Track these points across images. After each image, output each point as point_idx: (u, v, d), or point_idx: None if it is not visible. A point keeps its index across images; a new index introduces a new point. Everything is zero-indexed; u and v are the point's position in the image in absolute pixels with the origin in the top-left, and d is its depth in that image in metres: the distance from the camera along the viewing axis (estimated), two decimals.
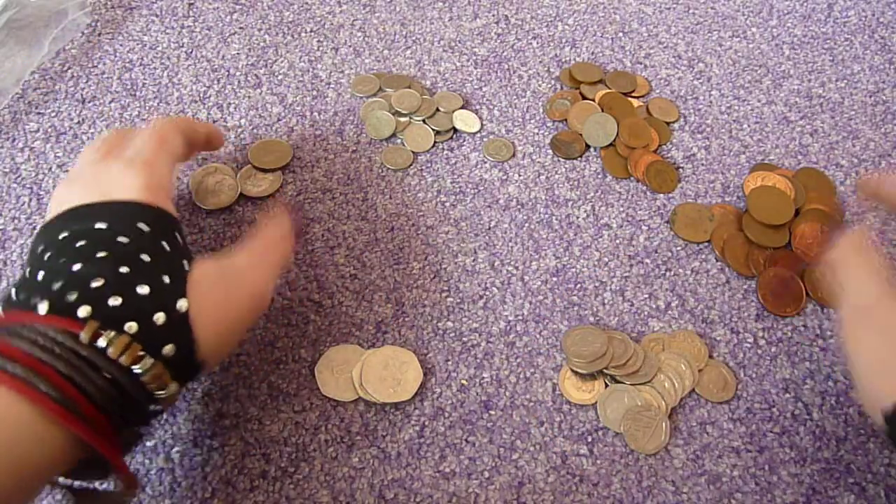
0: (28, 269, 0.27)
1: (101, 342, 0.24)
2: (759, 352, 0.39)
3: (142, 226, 0.29)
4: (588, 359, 0.37)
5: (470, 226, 0.43)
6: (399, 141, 0.47)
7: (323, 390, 0.36)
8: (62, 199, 0.30)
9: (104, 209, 0.29)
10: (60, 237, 0.28)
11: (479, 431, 0.36)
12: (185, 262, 0.29)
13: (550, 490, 0.34)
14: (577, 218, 0.44)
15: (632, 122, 0.47)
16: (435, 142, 0.47)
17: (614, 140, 0.46)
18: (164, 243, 0.29)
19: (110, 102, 0.48)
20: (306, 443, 0.35)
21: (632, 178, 0.45)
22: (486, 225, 0.43)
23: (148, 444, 0.34)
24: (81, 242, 0.27)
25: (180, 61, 0.51)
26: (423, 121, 0.47)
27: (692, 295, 0.41)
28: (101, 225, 0.28)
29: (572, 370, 0.37)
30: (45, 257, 0.27)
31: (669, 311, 0.40)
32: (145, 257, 0.28)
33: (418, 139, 0.47)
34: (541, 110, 0.49)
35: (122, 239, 0.28)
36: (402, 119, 0.47)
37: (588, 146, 0.47)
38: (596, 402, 0.36)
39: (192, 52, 0.51)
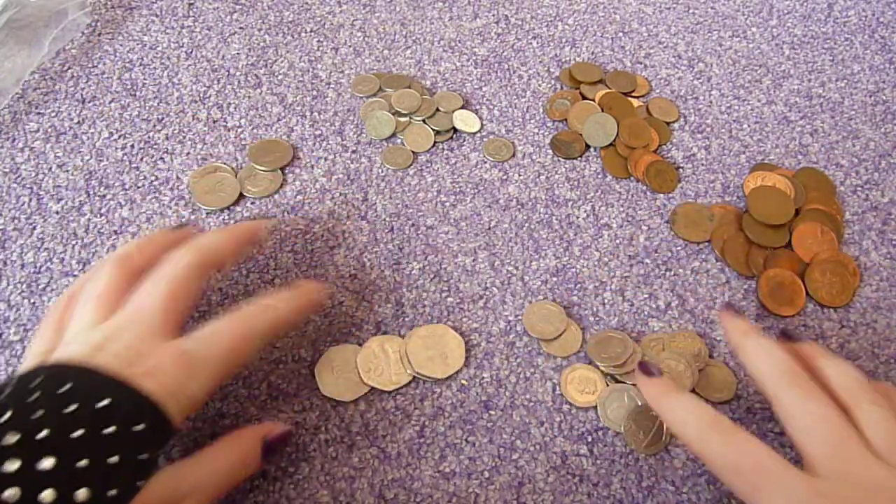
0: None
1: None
2: None
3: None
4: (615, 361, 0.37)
5: (470, 226, 0.43)
6: (399, 141, 0.47)
7: (323, 390, 0.36)
8: None
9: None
10: None
11: (479, 431, 0.36)
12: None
13: (550, 490, 0.34)
14: (577, 218, 0.44)
15: (632, 122, 0.47)
16: (435, 142, 0.47)
17: (614, 140, 0.46)
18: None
19: (110, 102, 0.48)
20: (306, 443, 0.35)
21: (632, 178, 0.45)
22: (486, 225, 0.43)
23: None
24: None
25: (180, 61, 0.51)
26: (423, 121, 0.47)
27: (692, 295, 0.41)
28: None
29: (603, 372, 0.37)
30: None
31: (669, 311, 0.40)
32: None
33: (418, 139, 0.47)
34: (541, 110, 0.49)
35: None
36: (402, 119, 0.47)
37: (588, 146, 0.47)
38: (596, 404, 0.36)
39: (192, 52, 0.51)
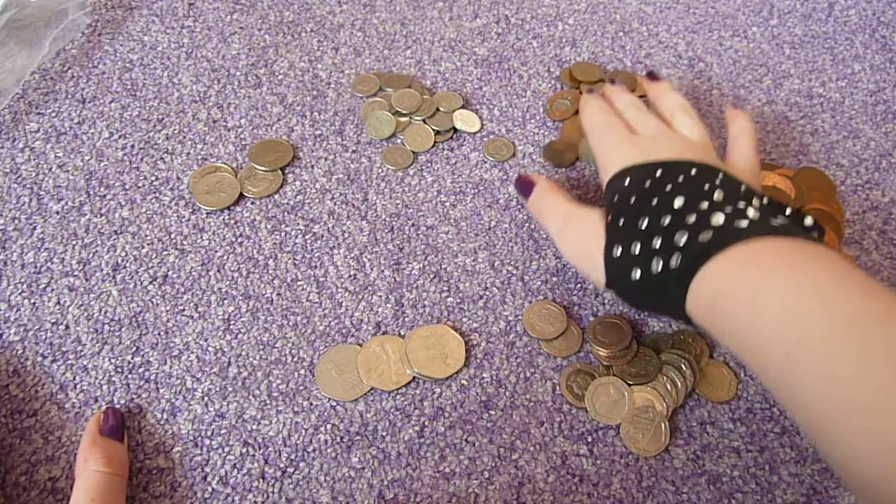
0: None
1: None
2: None
3: None
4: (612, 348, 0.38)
5: (470, 226, 0.43)
6: (399, 141, 0.47)
7: (323, 390, 0.36)
8: None
9: None
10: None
11: (479, 431, 0.36)
12: None
13: (550, 490, 0.34)
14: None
15: None
16: (435, 142, 0.47)
17: None
18: None
19: (110, 102, 0.48)
20: (306, 443, 0.35)
21: None
22: (486, 225, 0.43)
23: (148, 444, 0.35)
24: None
25: (180, 61, 0.51)
26: (423, 121, 0.47)
27: None
28: None
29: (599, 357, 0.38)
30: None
31: None
32: None
33: (418, 139, 0.47)
34: (541, 110, 0.49)
35: None
36: (402, 119, 0.47)
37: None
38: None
39: (192, 52, 0.51)
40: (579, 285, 0.41)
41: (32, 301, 0.39)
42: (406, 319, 0.39)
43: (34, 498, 0.33)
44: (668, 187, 0.31)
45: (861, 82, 0.52)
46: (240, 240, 0.42)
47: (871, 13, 0.57)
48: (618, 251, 0.31)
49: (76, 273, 0.40)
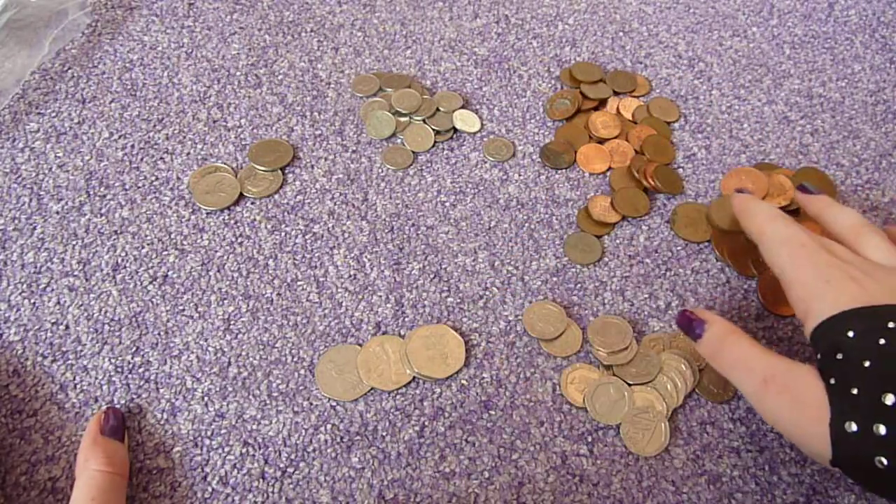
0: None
1: None
2: None
3: None
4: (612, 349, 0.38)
5: (470, 226, 0.43)
6: (399, 141, 0.47)
7: (323, 390, 0.36)
8: None
9: None
10: None
11: (479, 431, 0.36)
12: None
13: (550, 490, 0.34)
14: (577, 218, 0.44)
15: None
16: (435, 142, 0.47)
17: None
18: None
19: (110, 102, 0.48)
20: (306, 443, 0.35)
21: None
22: (486, 225, 0.43)
23: (148, 444, 0.35)
24: None
25: (180, 61, 0.51)
26: (423, 121, 0.47)
27: (692, 295, 0.41)
28: None
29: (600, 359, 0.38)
30: None
31: (669, 311, 0.40)
32: None
33: (418, 139, 0.47)
34: (541, 110, 0.49)
35: None
36: (402, 119, 0.47)
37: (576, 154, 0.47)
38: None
39: (192, 52, 0.51)
40: (579, 285, 0.41)
41: (32, 301, 0.39)
42: (406, 319, 0.39)
43: (34, 498, 0.33)
44: None
45: (861, 82, 0.52)
46: (240, 240, 0.42)
47: (871, 13, 0.57)
48: (852, 427, 0.25)
49: (76, 273, 0.40)
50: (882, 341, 0.26)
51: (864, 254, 0.31)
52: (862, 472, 0.26)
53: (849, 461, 0.26)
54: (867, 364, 0.26)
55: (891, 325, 0.27)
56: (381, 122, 0.47)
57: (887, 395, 0.25)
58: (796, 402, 0.28)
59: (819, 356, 0.29)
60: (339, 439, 0.35)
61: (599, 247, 0.42)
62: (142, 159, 0.45)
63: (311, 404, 0.36)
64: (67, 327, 0.38)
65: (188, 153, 0.46)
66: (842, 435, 0.26)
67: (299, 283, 0.40)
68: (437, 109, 0.48)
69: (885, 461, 0.24)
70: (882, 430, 0.24)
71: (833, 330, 0.28)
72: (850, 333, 0.27)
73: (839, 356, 0.27)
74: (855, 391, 0.26)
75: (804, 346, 0.39)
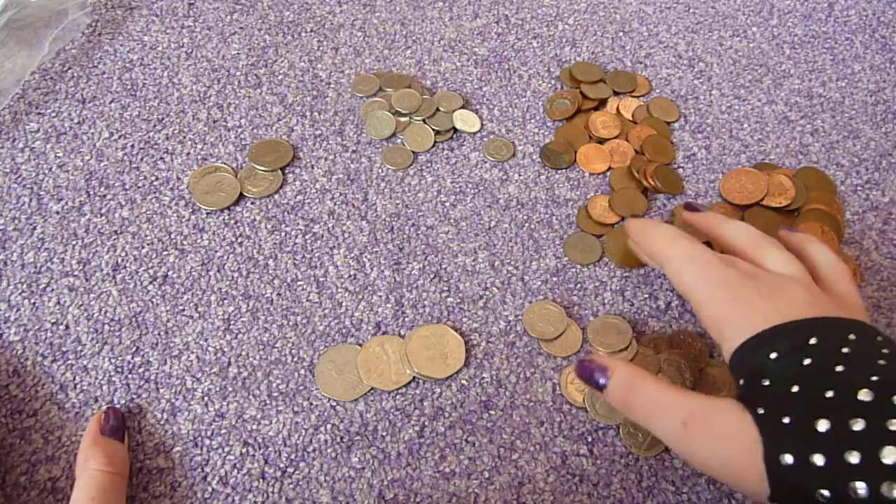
0: None
1: None
2: None
3: None
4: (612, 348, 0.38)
5: (470, 226, 0.43)
6: (399, 141, 0.47)
7: (323, 390, 0.36)
8: None
9: None
10: None
11: (479, 431, 0.36)
12: None
13: (550, 490, 0.34)
14: (577, 218, 0.44)
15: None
16: (435, 142, 0.47)
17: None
18: None
19: (110, 102, 0.48)
20: (306, 443, 0.35)
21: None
22: (486, 225, 0.43)
23: (148, 444, 0.35)
24: None
25: (180, 61, 0.51)
26: (423, 121, 0.47)
27: None
28: None
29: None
30: None
31: (669, 311, 0.40)
32: None
33: (418, 139, 0.47)
34: (541, 110, 0.49)
35: None
36: (402, 119, 0.47)
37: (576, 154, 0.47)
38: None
39: (192, 52, 0.51)
40: (579, 285, 0.41)
41: (32, 301, 0.39)
42: (406, 319, 0.39)
43: (34, 498, 0.33)
44: (839, 368, 0.24)
45: (861, 82, 0.52)
46: (240, 240, 0.42)
47: (871, 13, 0.57)
48: (787, 459, 0.23)
49: (76, 273, 0.40)
50: (807, 361, 0.25)
51: (765, 267, 0.31)
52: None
53: (788, 496, 0.24)
54: (795, 389, 0.25)
55: (812, 341, 0.25)
56: (381, 122, 0.47)
57: (819, 422, 0.23)
58: (723, 439, 0.25)
59: (742, 382, 0.27)
60: (339, 439, 0.35)
61: (599, 247, 0.42)
62: (142, 159, 0.45)
63: (311, 404, 0.36)
64: (67, 327, 0.38)
65: (188, 153, 0.46)
66: (777, 468, 0.23)
67: (299, 283, 0.40)
68: (437, 109, 0.48)
69: (826, 493, 0.22)
70: (819, 460, 0.23)
71: (754, 353, 0.27)
72: (773, 355, 0.26)
73: (765, 382, 0.26)
74: (786, 420, 0.24)
75: None
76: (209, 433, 0.35)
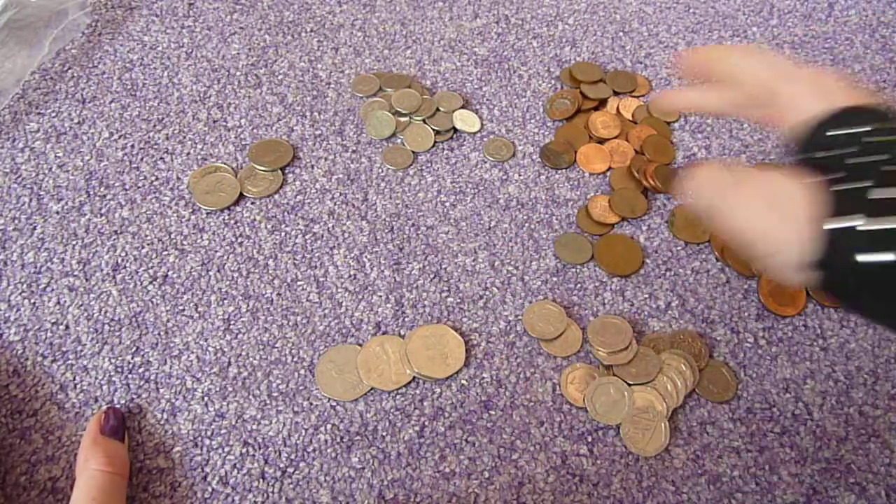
0: None
1: None
2: (760, 352, 0.39)
3: None
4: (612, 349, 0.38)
5: (470, 226, 0.43)
6: (399, 141, 0.47)
7: (323, 390, 0.36)
8: None
9: None
10: None
11: (479, 431, 0.36)
12: None
13: (550, 490, 0.34)
14: (577, 218, 0.44)
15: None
16: (435, 142, 0.47)
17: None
18: None
19: (110, 102, 0.48)
20: (306, 443, 0.35)
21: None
22: (486, 225, 0.43)
23: (148, 444, 0.35)
24: None
25: (180, 61, 0.51)
26: (423, 121, 0.47)
27: (692, 295, 0.41)
28: None
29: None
30: None
31: (669, 311, 0.40)
32: None
33: (418, 139, 0.47)
34: (541, 110, 0.49)
35: None
36: (402, 119, 0.47)
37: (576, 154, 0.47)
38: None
39: (192, 52, 0.51)
40: (579, 285, 0.41)
41: (32, 301, 0.39)
42: (406, 319, 0.39)
43: (34, 498, 0.33)
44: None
45: (861, 82, 0.52)
46: (240, 240, 0.42)
47: (871, 13, 0.57)
48: (837, 224, 0.23)
49: (76, 273, 0.40)
50: (867, 139, 0.25)
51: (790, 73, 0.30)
52: (854, 272, 0.23)
53: (839, 263, 0.24)
54: (851, 161, 0.25)
55: (871, 125, 0.26)
56: (381, 122, 0.47)
57: (872, 190, 0.23)
58: (773, 198, 0.26)
59: (798, 157, 0.27)
60: (339, 439, 0.35)
61: (590, 247, 0.42)
62: (142, 159, 0.45)
63: (311, 404, 0.36)
64: (67, 327, 0.38)
65: (188, 153, 0.46)
66: (832, 232, 0.24)
67: (299, 283, 0.40)
68: (437, 109, 0.48)
69: (863, 258, 0.22)
70: (864, 225, 0.23)
71: (817, 133, 0.27)
72: (833, 133, 0.26)
73: (820, 154, 0.26)
74: (843, 187, 0.24)
75: (803, 345, 0.39)
76: (209, 433, 0.35)
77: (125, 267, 0.40)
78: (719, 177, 0.29)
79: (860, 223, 0.23)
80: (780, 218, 0.25)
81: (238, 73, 0.50)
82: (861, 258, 0.23)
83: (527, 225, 0.43)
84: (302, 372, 0.37)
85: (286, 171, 0.45)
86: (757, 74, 0.31)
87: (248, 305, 0.39)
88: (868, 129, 0.26)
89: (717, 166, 0.30)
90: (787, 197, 0.25)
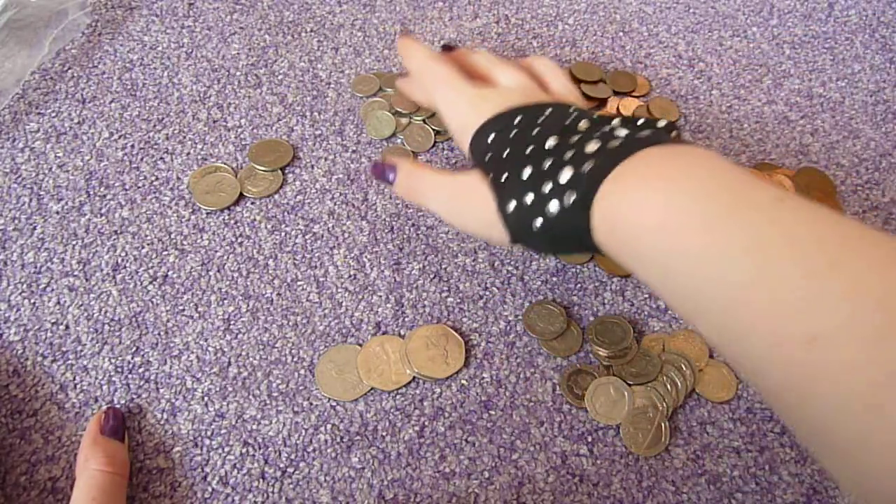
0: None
1: None
2: None
3: None
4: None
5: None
6: (399, 141, 0.47)
7: (323, 390, 0.36)
8: None
9: None
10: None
11: (479, 431, 0.36)
12: None
13: (550, 490, 0.34)
14: None
15: None
16: (435, 142, 0.47)
17: None
18: None
19: (110, 102, 0.48)
20: (306, 443, 0.35)
21: None
22: None
23: (148, 444, 0.35)
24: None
25: (180, 61, 0.51)
26: (424, 121, 0.47)
27: None
28: None
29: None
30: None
31: (669, 311, 0.40)
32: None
33: (418, 139, 0.47)
34: None
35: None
36: (402, 119, 0.47)
37: None
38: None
39: (192, 52, 0.51)
40: (579, 285, 0.41)
41: (32, 301, 0.39)
42: (406, 319, 0.39)
43: (34, 498, 0.33)
44: (535, 131, 0.31)
45: (861, 82, 0.52)
46: (240, 240, 0.42)
47: (871, 13, 0.57)
48: (511, 206, 0.30)
49: (76, 273, 0.40)
50: (513, 133, 0.32)
51: (499, 83, 0.37)
52: (530, 238, 0.30)
53: (521, 234, 0.31)
54: (506, 153, 0.31)
55: (517, 119, 0.32)
56: (381, 122, 0.47)
57: (525, 170, 0.30)
58: (478, 202, 0.32)
59: (476, 164, 0.34)
60: (339, 439, 0.35)
61: None
62: (142, 159, 0.45)
63: (311, 404, 0.36)
64: (67, 327, 0.38)
65: (188, 153, 0.46)
66: (507, 215, 0.30)
67: (299, 283, 0.40)
68: None
69: (538, 221, 0.29)
70: (530, 198, 0.29)
71: (479, 139, 0.33)
72: (491, 136, 0.33)
73: (487, 156, 0.32)
74: (504, 178, 0.31)
75: None
76: (209, 433, 0.35)
77: (125, 267, 0.40)
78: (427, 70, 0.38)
79: (529, 200, 0.29)
80: (481, 215, 0.32)
81: (238, 73, 0.50)
82: (537, 224, 0.29)
83: None
84: (302, 372, 0.37)
85: (286, 171, 0.45)
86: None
87: (248, 305, 0.39)
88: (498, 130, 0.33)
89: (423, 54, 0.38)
90: (480, 196, 0.32)
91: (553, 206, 0.28)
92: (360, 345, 0.38)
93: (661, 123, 0.30)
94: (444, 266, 0.41)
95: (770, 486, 0.34)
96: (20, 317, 0.38)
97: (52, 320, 0.38)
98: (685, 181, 0.24)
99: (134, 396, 0.36)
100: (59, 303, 0.39)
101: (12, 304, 0.39)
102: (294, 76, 0.50)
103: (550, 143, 0.30)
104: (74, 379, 0.36)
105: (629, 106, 0.49)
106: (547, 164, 0.29)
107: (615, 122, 0.30)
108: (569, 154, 0.29)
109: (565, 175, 0.28)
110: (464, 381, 0.37)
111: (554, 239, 0.30)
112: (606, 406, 0.36)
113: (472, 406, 0.36)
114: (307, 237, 0.42)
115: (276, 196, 0.44)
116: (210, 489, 0.33)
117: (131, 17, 0.54)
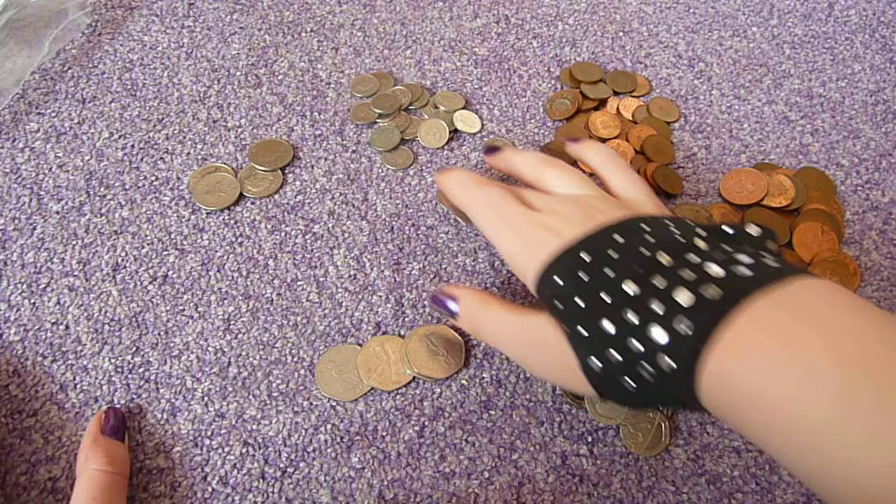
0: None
1: None
2: None
3: None
4: None
5: (470, 226, 0.43)
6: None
7: (323, 390, 0.36)
8: None
9: None
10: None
11: (478, 431, 0.36)
12: None
13: (550, 490, 0.34)
14: None
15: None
16: (450, 138, 0.47)
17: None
18: None
19: (110, 102, 0.48)
20: (306, 443, 0.35)
21: None
22: None
23: (148, 444, 0.35)
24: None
25: (180, 61, 0.51)
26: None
27: None
28: None
29: None
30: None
31: None
32: None
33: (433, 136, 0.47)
34: (541, 110, 0.49)
35: None
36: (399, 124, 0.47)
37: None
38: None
39: (192, 52, 0.51)
40: None
41: (32, 301, 0.39)
42: (406, 319, 0.39)
43: (34, 498, 0.33)
44: (610, 272, 0.27)
45: (861, 82, 0.52)
46: (240, 240, 0.42)
47: (871, 13, 0.57)
48: (597, 365, 0.27)
49: (76, 273, 0.40)
50: (582, 275, 0.28)
51: (549, 190, 0.33)
52: (624, 398, 0.27)
53: (610, 394, 0.27)
54: (581, 303, 0.27)
55: (582, 255, 0.28)
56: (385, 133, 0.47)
57: (605, 324, 0.26)
58: (552, 352, 0.29)
59: (549, 310, 0.30)
60: (339, 439, 0.35)
61: None
62: (142, 159, 0.45)
63: (311, 404, 0.36)
64: (67, 327, 0.38)
65: (188, 153, 0.46)
66: (591, 373, 0.27)
67: (299, 283, 0.40)
68: (436, 107, 0.48)
69: (631, 382, 0.25)
70: (616, 355, 0.26)
71: (546, 284, 0.29)
72: (559, 280, 0.28)
73: (559, 305, 0.28)
74: (583, 332, 0.27)
75: None
76: (209, 433, 0.35)
77: (125, 267, 0.40)
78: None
79: (618, 357, 0.26)
80: (563, 369, 0.29)
81: (238, 73, 0.50)
82: (631, 383, 0.26)
83: None
84: (302, 372, 0.37)
85: (286, 171, 0.45)
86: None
87: (248, 305, 0.39)
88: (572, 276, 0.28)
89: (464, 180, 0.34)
90: (561, 349, 0.28)
91: (645, 370, 0.25)
92: (360, 345, 0.38)
93: (751, 230, 0.27)
94: (444, 266, 0.41)
95: (770, 486, 0.34)
96: (20, 317, 0.38)
97: (52, 320, 0.38)
98: (818, 339, 0.22)
99: (134, 396, 0.36)
100: (59, 303, 0.39)
101: (12, 304, 0.39)
102: (294, 76, 0.50)
103: (630, 289, 0.26)
104: (74, 379, 0.36)
105: (629, 106, 0.49)
106: (631, 316, 0.25)
107: (700, 243, 0.26)
108: (655, 305, 0.25)
109: (658, 334, 0.24)
110: (464, 381, 0.37)
111: (653, 398, 0.26)
112: (606, 406, 0.36)
113: (471, 406, 0.36)
114: (307, 237, 0.42)
115: (276, 196, 0.44)
116: (210, 489, 0.33)
117: (131, 17, 0.54)
